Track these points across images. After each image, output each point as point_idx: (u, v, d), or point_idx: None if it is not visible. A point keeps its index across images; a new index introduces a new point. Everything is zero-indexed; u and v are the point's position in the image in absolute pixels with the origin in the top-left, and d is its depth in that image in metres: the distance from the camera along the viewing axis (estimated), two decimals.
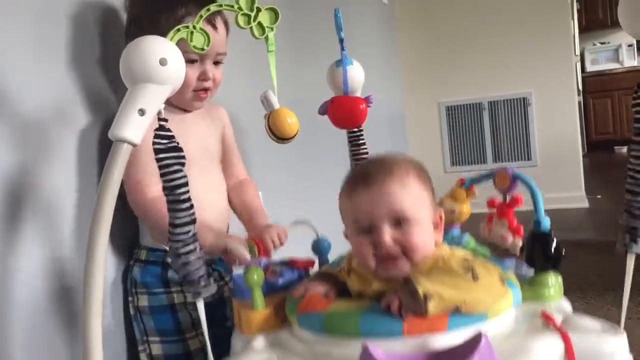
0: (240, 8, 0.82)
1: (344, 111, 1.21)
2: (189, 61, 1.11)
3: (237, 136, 1.42)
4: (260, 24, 0.84)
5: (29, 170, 1.02)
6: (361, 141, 1.32)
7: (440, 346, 0.74)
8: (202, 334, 1.20)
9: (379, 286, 0.88)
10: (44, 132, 1.06)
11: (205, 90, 1.21)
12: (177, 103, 1.21)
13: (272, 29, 0.85)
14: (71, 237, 1.11)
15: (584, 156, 4.12)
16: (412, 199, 0.88)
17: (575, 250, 2.61)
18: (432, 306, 0.75)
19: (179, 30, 0.80)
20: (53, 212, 1.07)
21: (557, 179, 3.75)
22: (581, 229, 3.23)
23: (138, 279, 1.20)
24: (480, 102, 4.05)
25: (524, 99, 3.96)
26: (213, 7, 0.81)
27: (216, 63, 1.22)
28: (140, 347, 1.21)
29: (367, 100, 1.22)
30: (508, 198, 1.08)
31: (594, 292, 2.11)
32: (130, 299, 1.22)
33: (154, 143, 0.80)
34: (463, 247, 1.03)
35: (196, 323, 1.21)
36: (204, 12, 0.81)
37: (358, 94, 1.29)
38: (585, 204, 3.87)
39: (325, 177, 1.43)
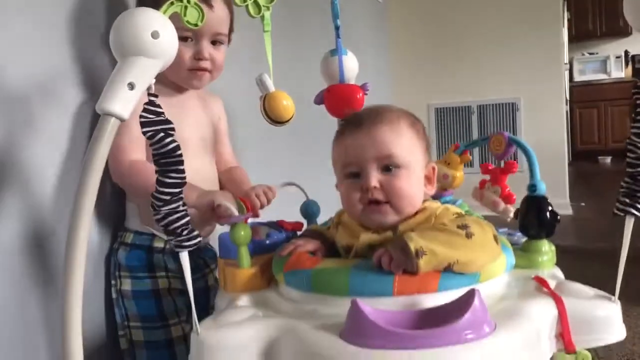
0: None
1: (341, 100, 1.20)
2: (182, 38, 1.09)
3: (231, 122, 1.40)
4: (256, 2, 0.82)
5: (12, 145, 0.99)
6: None
7: (432, 305, 0.72)
8: (185, 321, 1.19)
9: (366, 239, 0.87)
10: (28, 106, 1.02)
11: (203, 70, 1.18)
12: (175, 80, 1.19)
13: (268, 8, 0.83)
14: (54, 214, 1.07)
15: (568, 164, 4.14)
16: (402, 144, 0.87)
17: (559, 257, 2.66)
18: (423, 263, 0.73)
19: (172, 3, 0.77)
20: (36, 188, 1.04)
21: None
22: (565, 236, 3.25)
23: (122, 262, 1.17)
24: (470, 106, 4.05)
25: (512, 104, 3.98)
26: None
27: (215, 43, 1.19)
28: (121, 332, 1.18)
29: (363, 88, 1.20)
30: (502, 163, 1.07)
31: None
32: (113, 282, 1.19)
33: (141, 117, 0.77)
34: None
35: (179, 310, 1.19)
36: None
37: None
38: (569, 211, 3.89)
39: (320, 162, 1.41)
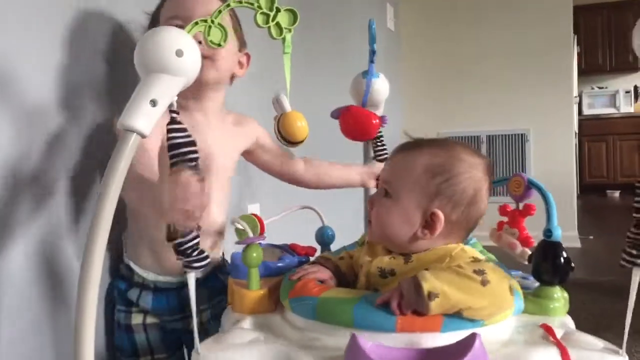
0: (259, 7, 0.81)
1: (355, 122, 1.20)
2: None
3: None
4: (278, 25, 0.83)
5: (29, 160, 1.00)
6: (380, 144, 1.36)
7: (433, 345, 0.71)
8: (159, 359, 1.17)
9: (378, 262, 0.87)
10: (45, 121, 1.04)
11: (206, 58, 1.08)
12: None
13: (290, 30, 0.84)
14: (69, 229, 1.08)
15: (577, 197, 4.13)
16: (402, 178, 0.88)
17: (567, 289, 2.63)
18: (434, 305, 0.71)
19: (197, 23, 0.78)
20: (52, 201, 1.05)
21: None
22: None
23: (110, 291, 1.18)
24: (479, 135, 4.06)
25: (522, 135, 3.98)
26: (233, 3, 0.80)
27: None
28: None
29: (382, 119, 1.20)
30: (521, 206, 1.06)
31: (587, 331, 2.10)
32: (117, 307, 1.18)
33: (169, 138, 0.77)
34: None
35: (154, 347, 1.17)
36: (223, 8, 0.80)
37: (380, 108, 1.28)
38: (577, 244, 3.87)
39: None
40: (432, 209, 0.86)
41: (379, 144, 1.34)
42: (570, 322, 0.88)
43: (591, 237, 4.12)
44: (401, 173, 0.88)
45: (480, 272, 0.75)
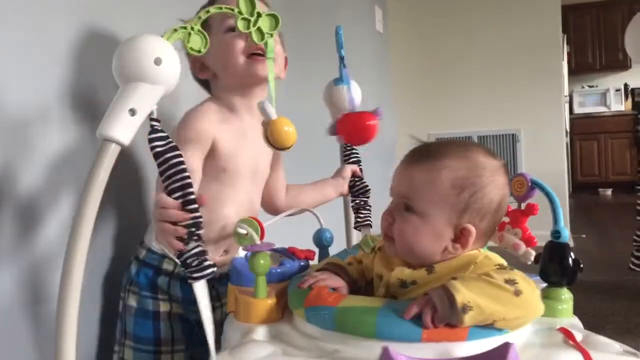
0: (240, 12, 0.80)
1: (355, 128, 1.20)
2: (231, 29, 1.03)
3: None
4: (259, 30, 0.82)
5: (11, 170, 0.98)
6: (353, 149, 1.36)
7: (459, 354, 0.69)
8: (178, 351, 1.16)
9: (399, 273, 0.84)
10: (26, 132, 1.02)
11: (261, 53, 1.08)
12: (236, 82, 1.14)
13: (271, 35, 0.83)
14: (50, 239, 1.06)
15: (569, 196, 4.13)
16: (426, 194, 0.83)
17: (572, 295, 2.63)
18: (468, 318, 0.69)
19: (175, 30, 0.77)
20: (35, 211, 1.03)
21: (543, 217, 3.71)
22: None
23: (133, 277, 1.15)
24: (470, 136, 4.06)
25: (512, 135, 3.98)
26: (212, 10, 0.79)
27: None
28: (116, 348, 1.15)
29: (375, 113, 1.20)
30: (523, 206, 1.05)
31: None
32: (122, 295, 1.16)
33: (152, 148, 0.77)
34: None
35: (175, 339, 1.15)
36: (203, 14, 0.79)
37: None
38: (570, 243, 3.86)
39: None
40: (463, 224, 0.83)
41: (347, 147, 1.35)
42: (578, 323, 0.88)
43: (584, 235, 4.12)
44: (424, 188, 0.84)
45: (512, 282, 0.72)
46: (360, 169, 1.41)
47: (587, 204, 6.31)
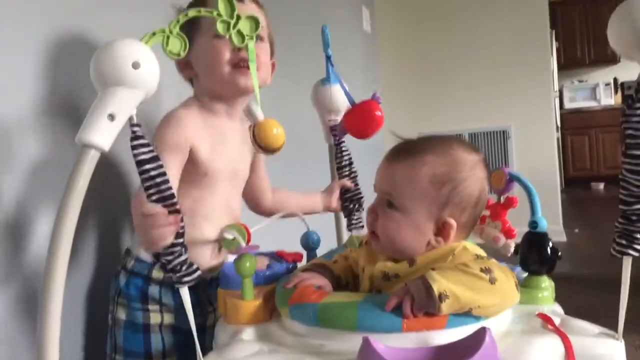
0: (219, 14, 0.79)
1: (363, 120, 1.20)
2: (220, 36, 1.02)
3: None
4: (239, 32, 0.81)
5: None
6: (344, 149, 1.35)
7: (440, 342, 0.71)
8: None
9: (382, 267, 0.87)
10: (2, 139, 1.01)
11: (246, 63, 1.07)
12: (218, 88, 1.13)
13: (252, 37, 0.82)
14: (34, 250, 1.05)
15: (561, 191, 4.14)
16: (407, 189, 0.86)
17: (553, 283, 2.64)
18: (445, 306, 0.72)
19: (154, 34, 0.76)
20: (12, 223, 1.02)
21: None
22: (559, 263, 3.21)
23: (122, 289, 1.13)
24: (461, 134, 4.06)
25: (503, 131, 3.99)
26: (191, 13, 0.78)
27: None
28: None
29: (375, 99, 1.20)
30: (502, 199, 1.06)
31: None
32: (110, 307, 1.14)
33: (135, 155, 0.76)
34: None
35: (167, 351, 1.13)
36: (181, 17, 0.78)
37: (341, 114, 1.27)
38: (563, 237, 3.88)
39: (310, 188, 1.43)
40: (444, 218, 0.86)
41: (338, 148, 1.34)
42: (559, 309, 0.91)
43: (576, 230, 4.14)
44: (405, 184, 0.87)
45: (487, 271, 0.75)
46: (356, 176, 1.41)
47: (580, 198, 6.33)
